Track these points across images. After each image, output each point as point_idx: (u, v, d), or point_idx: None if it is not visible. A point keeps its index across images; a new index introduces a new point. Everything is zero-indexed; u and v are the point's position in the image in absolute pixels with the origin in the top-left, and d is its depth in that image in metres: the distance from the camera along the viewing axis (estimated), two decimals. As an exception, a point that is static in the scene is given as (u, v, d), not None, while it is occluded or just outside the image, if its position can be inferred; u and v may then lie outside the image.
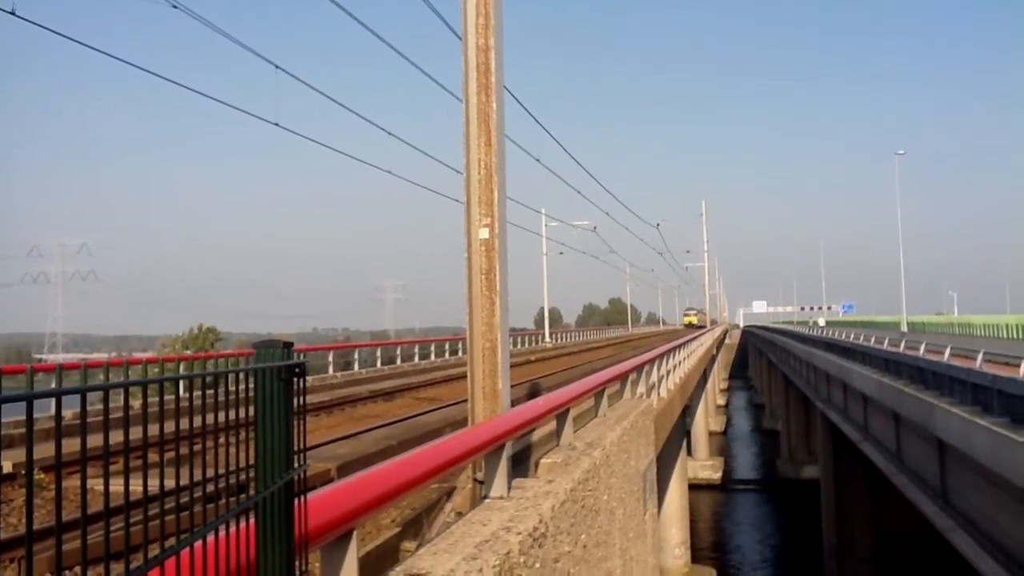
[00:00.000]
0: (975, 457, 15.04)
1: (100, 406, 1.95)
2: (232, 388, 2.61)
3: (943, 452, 18.12)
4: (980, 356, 18.15)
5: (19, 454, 10.45)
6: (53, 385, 1.77)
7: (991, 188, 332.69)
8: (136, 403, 2.53)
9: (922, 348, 23.33)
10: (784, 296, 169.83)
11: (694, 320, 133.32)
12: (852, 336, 38.38)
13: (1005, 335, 52.80)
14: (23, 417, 1.71)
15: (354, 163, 51.05)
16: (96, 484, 2.16)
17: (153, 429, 2.17)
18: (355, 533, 4.49)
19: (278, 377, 2.85)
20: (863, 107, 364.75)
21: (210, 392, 2.42)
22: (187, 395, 2.33)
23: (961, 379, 17.31)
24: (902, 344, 26.84)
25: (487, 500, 7.28)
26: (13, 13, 10.62)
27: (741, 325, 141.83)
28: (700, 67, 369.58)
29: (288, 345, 2.92)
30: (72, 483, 7.30)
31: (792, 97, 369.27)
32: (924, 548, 26.53)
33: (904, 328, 54.67)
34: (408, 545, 7.86)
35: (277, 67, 15.24)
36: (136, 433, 2.05)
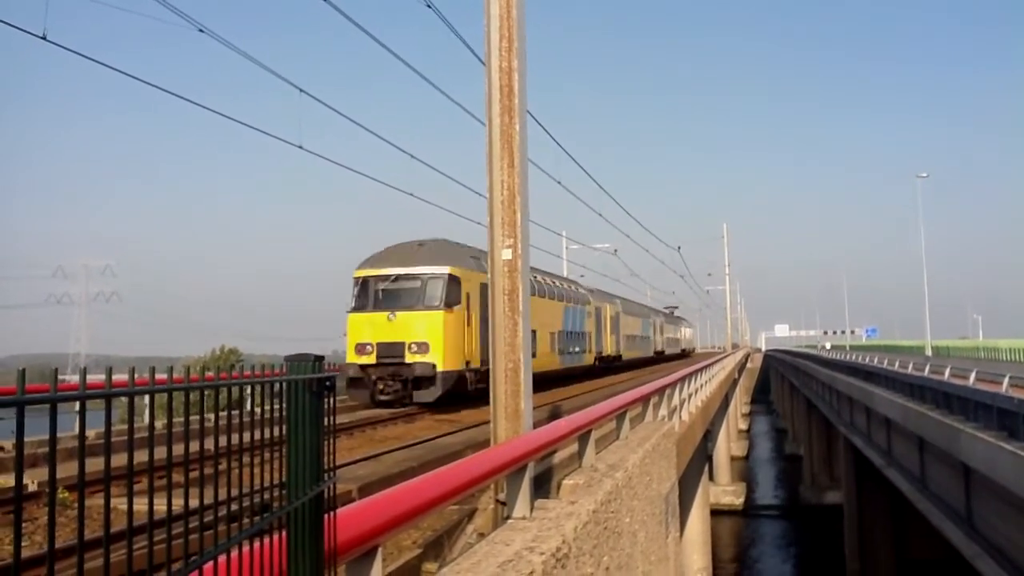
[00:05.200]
0: (1001, 483, 14.85)
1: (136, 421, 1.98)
2: (260, 405, 2.64)
3: (968, 477, 17.91)
4: (1006, 380, 17.96)
5: (44, 473, 10.49)
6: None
7: (1016, 210, 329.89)
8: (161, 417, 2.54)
9: (947, 372, 23.11)
10: (807, 320, 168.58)
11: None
12: (876, 360, 38.06)
13: (1031, 360, 52.17)
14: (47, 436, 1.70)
15: (376, 185, 51.49)
16: (120, 503, 2.18)
17: (179, 446, 2.20)
18: (380, 550, 4.51)
19: (309, 390, 2.89)
20: (886, 129, 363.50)
21: (236, 411, 2.45)
22: (212, 412, 2.35)
23: (987, 404, 17.14)
24: (926, 368, 26.61)
25: (510, 520, 7.28)
26: (44, 38, 10.84)
27: (763, 349, 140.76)
28: (722, 90, 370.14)
29: (319, 359, 2.96)
30: (96, 501, 7.33)
31: (814, 119, 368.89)
32: (949, 575, 26.14)
33: (928, 352, 54.16)
34: (430, 566, 7.84)
35: (301, 90, 15.40)
36: (163, 450, 2.07)
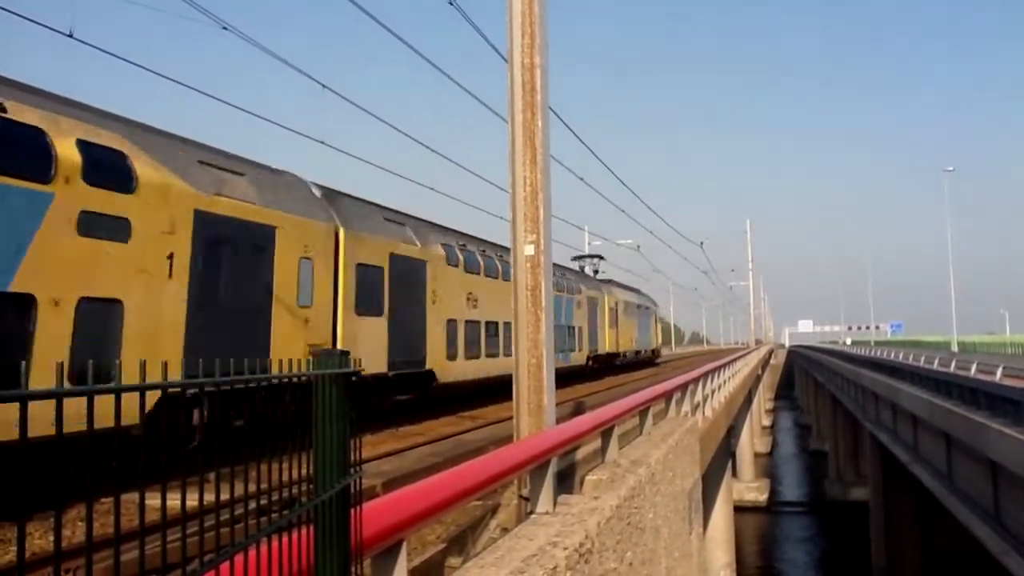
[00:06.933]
0: (1030, 479, 14.73)
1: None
2: (287, 399, 2.67)
3: (996, 473, 17.76)
4: (1034, 376, 17.82)
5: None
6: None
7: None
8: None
9: (973, 368, 22.92)
10: (831, 316, 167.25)
11: None
12: (902, 356, 37.78)
13: (1060, 355, 51.60)
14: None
15: (397, 180, 51.70)
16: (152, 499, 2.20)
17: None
18: (404, 544, 4.54)
19: (335, 383, 2.92)
20: (912, 124, 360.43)
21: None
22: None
23: (1014, 400, 16.98)
24: (953, 364, 26.41)
25: (533, 516, 7.30)
26: (71, 36, 10.97)
27: (787, 345, 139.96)
28: (746, 85, 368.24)
29: (345, 353, 2.98)
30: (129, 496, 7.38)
31: (839, 115, 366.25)
32: (976, 571, 25.94)
33: (955, 348, 53.69)
34: (453, 561, 7.88)
35: (324, 86, 15.50)
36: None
